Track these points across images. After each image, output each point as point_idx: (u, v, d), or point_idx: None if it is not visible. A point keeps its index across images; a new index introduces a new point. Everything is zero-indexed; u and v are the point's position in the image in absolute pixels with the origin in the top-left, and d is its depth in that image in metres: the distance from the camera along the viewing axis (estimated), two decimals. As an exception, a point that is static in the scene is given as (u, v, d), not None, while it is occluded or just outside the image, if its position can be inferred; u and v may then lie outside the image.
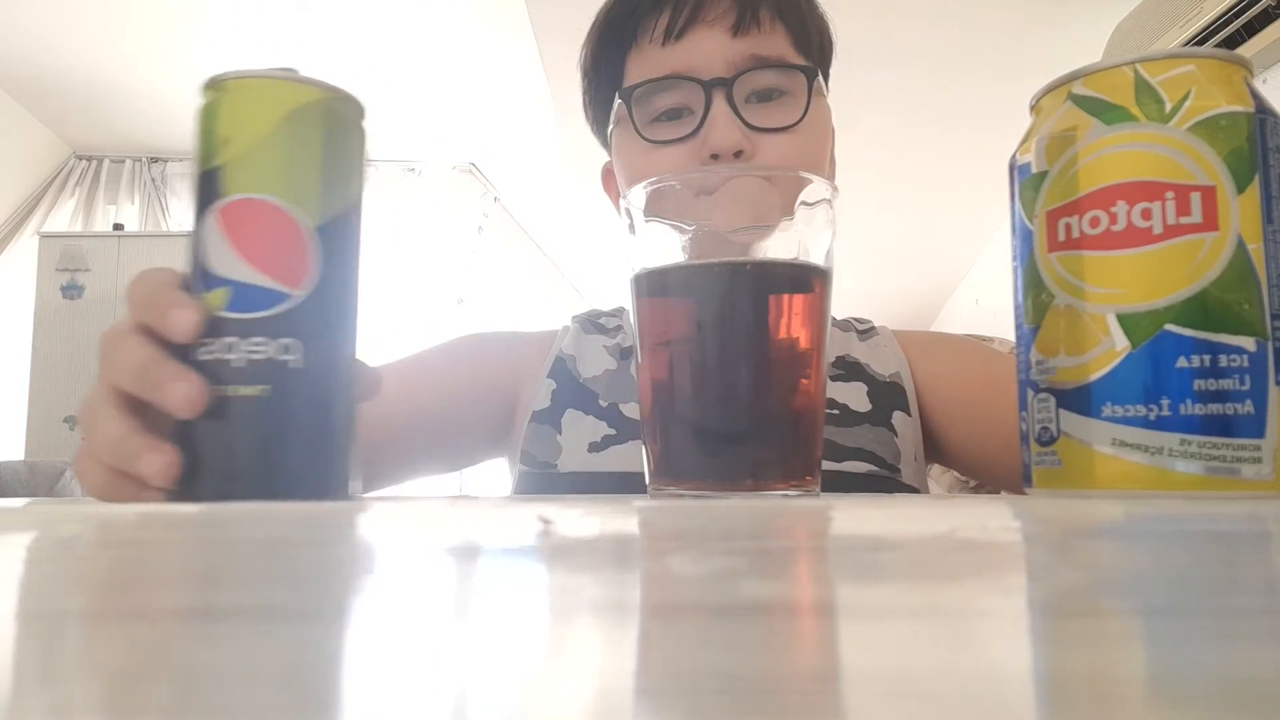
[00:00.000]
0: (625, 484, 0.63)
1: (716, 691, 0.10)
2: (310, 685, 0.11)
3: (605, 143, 0.70)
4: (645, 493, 0.38)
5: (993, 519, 0.26)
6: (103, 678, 0.11)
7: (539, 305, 3.67)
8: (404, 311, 2.94)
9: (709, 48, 0.61)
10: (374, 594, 0.16)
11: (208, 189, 0.34)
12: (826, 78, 0.68)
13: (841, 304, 0.72)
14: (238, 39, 2.28)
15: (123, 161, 3.42)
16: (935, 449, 0.71)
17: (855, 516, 0.28)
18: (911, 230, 3.32)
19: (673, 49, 0.61)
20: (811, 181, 0.37)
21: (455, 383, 0.72)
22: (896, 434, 0.66)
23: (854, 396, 0.68)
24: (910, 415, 0.68)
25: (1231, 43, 1.50)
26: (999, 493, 0.72)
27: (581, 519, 0.26)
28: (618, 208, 0.71)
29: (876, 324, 0.78)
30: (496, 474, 0.80)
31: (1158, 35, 1.63)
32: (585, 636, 0.13)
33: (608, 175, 0.73)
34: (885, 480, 0.64)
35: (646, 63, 0.63)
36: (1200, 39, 1.54)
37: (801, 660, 0.11)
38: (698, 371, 0.37)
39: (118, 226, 3.20)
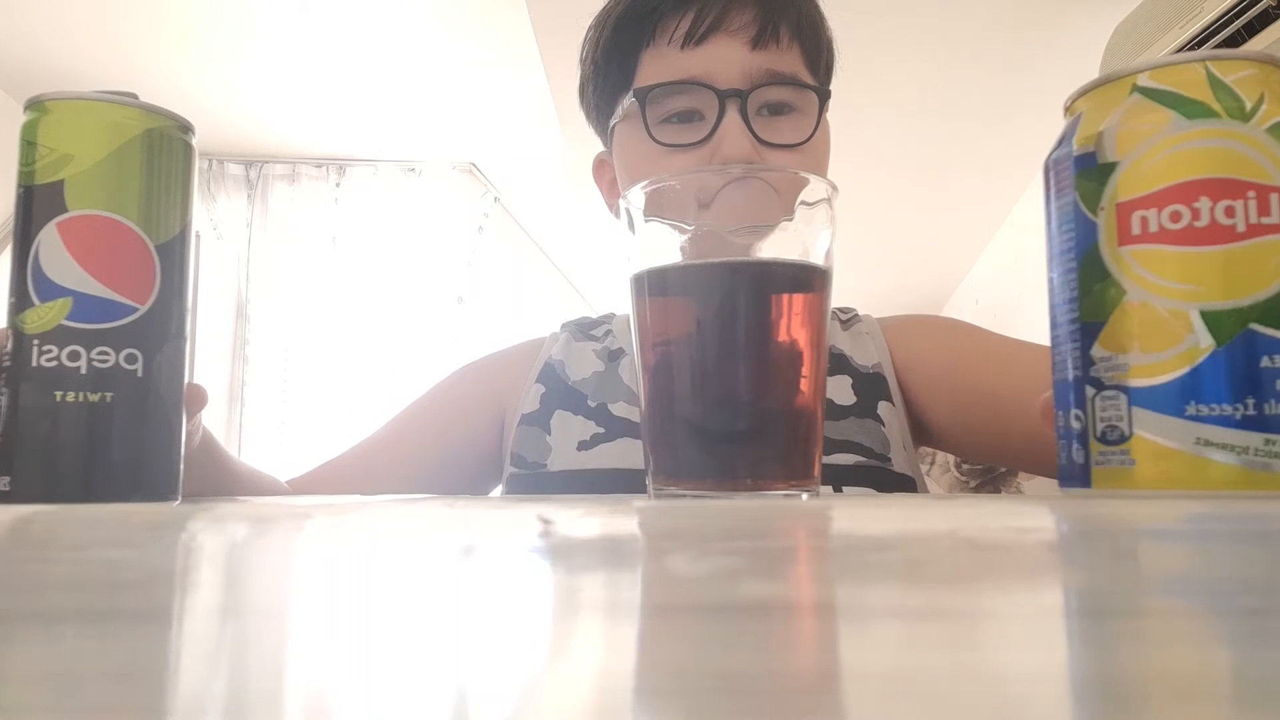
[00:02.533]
0: (614, 480, 0.63)
1: (716, 691, 0.10)
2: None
3: (603, 131, 0.70)
4: (635, 489, 0.38)
5: (993, 519, 0.26)
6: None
7: (539, 305, 3.67)
8: (404, 311, 2.94)
9: (728, 57, 0.61)
10: (374, 593, 0.16)
11: (47, 202, 0.35)
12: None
13: (841, 303, 0.72)
14: (236, 39, 2.28)
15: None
16: (924, 431, 0.71)
17: (855, 516, 0.28)
18: (911, 230, 3.32)
19: (691, 53, 0.61)
20: (811, 181, 0.37)
21: (442, 427, 0.74)
22: (883, 424, 0.67)
23: (839, 390, 0.68)
24: (894, 404, 0.68)
25: (1231, 43, 1.49)
26: (999, 491, 0.72)
27: (581, 519, 0.26)
28: (606, 197, 0.71)
29: (860, 312, 0.78)
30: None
31: (1158, 35, 1.63)
32: (585, 636, 0.13)
33: (600, 165, 0.73)
34: (876, 470, 0.64)
35: (662, 63, 0.62)
36: (1200, 40, 1.53)
37: (801, 660, 0.11)
38: (698, 371, 0.37)
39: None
